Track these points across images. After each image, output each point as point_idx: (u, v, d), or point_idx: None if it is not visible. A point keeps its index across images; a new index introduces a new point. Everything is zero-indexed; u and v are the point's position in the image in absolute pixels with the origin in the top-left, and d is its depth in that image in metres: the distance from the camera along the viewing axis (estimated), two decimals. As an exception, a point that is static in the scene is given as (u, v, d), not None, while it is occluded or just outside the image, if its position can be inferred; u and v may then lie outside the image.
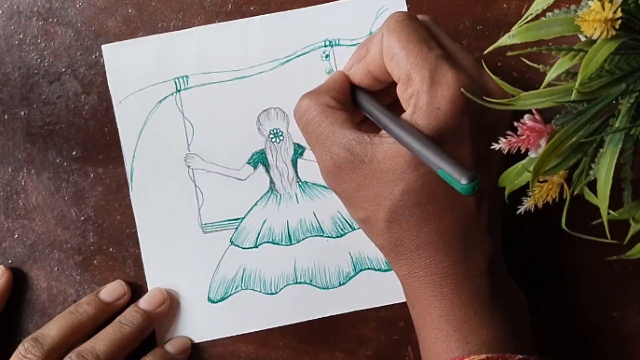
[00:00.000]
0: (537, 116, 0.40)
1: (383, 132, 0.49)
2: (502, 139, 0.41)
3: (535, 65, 0.42)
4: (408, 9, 0.58)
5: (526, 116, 0.40)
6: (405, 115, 0.48)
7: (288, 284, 0.58)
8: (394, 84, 0.50)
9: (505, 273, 0.52)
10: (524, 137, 0.40)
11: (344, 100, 0.52)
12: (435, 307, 0.49)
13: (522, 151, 0.41)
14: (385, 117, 0.49)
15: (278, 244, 0.58)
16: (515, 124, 0.40)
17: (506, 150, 0.41)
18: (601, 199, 0.39)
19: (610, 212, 0.40)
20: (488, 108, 0.47)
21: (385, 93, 0.53)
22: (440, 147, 0.45)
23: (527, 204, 0.43)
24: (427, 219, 0.48)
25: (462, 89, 0.46)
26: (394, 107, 0.51)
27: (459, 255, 0.49)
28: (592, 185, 0.41)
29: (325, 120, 0.50)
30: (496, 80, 0.42)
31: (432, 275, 0.49)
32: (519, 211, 0.43)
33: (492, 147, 0.41)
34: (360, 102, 0.53)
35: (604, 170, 0.39)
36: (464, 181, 0.42)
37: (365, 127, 0.52)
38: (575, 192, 0.42)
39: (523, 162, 0.44)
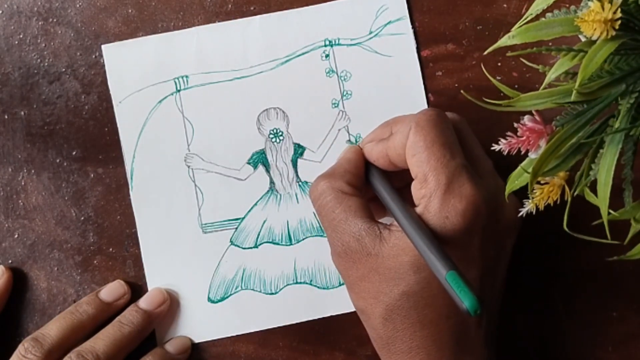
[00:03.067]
0: (537, 117, 0.40)
1: (393, 224, 0.49)
2: (502, 140, 0.41)
3: (534, 65, 0.42)
4: (408, 8, 0.58)
5: (526, 117, 0.40)
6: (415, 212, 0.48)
7: (288, 284, 0.58)
8: (409, 171, 0.50)
9: None
10: (523, 138, 0.40)
11: (358, 184, 0.52)
12: None
13: (522, 152, 0.41)
14: (394, 205, 0.49)
15: (278, 244, 0.58)
16: (515, 124, 0.40)
17: (506, 152, 0.41)
18: (601, 200, 0.39)
19: (611, 212, 0.40)
20: (500, 218, 0.48)
21: (399, 176, 0.52)
22: (447, 254, 0.44)
23: (528, 206, 0.43)
24: (422, 323, 0.48)
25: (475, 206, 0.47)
26: (406, 190, 0.51)
27: None
28: (593, 186, 0.41)
29: (339, 206, 0.50)
30: (496, 83, 0.42)
31: None
32: (520, 213, 0.43)
33: (494, 148, 0.41)
34: (373, 183, 0.52)
35: (604, 170, 0.39)
36: (466, 304, 0.41)
37: (377, 204, 0.52)
38: (576, 193, 0.42)
39: (522, 163, 0.44)
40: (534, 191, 0.42)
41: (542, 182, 0.42)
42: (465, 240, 0.47)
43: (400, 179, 0.52)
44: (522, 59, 0.43)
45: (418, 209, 0.48)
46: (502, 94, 0.47)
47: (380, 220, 0.50)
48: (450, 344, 0.48)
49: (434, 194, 0.47)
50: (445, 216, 0.47)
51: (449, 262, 0.43)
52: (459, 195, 0.47)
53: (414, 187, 0.49)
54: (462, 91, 0.46)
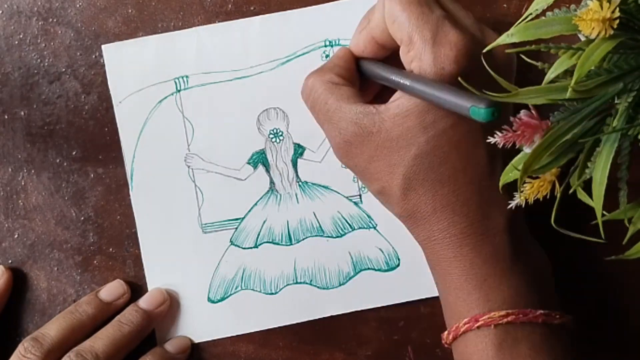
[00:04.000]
0: (533, 112, 0.40)
1: (389, 100, 0.49)
2: (498, 133, 0.41)
3: (534, 62, 0.42)
4: (408, 8, 0.58)
5: (522, 111, 0.40)
6: None
7: (288, 284, 0.58)
8: (397, 52, 0.50)
9: (526, 232, 0.52)
10: (519, 132, 0.40)
11: (349, 76, 0.52)
12: (455, 267, 0.49)
13: (517, 146, 0.41)
14: (393, 74, 0.49)
15: (278, 244, 0.58)
16: (512, 118, 0.40)
17: (501, 145, 0.41)
18: (596, 199, 0.39)
19: (605, 213, 0.40)
20: (491, 57, 0.47)
21: (389, 62, 0.52)
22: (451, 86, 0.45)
23: (518, 199, 0.43)
24: (441, 181, 0.48)
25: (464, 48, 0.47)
26: None
27: (477, 215, 0.49)
28: (587, 185, 0.41)
29: (331, 96, 0.50)
30: (497, 77, 0.42)
31: (451, 237, 0.49)
32: (509, 206, 0.43)
33: (489, 141, 0.41)
34: (366, 69, 0.53)
35: (600, 169, 0.39)
36: (482, 105, 0.41)
37: (378, 103, 0.52)
38: (571, 191, 0.42)
39: (514, 160, 0.44)
40: (524, 185, 0.42)
41: (534, 176, 0.42)
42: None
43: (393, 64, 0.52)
44: (522, 56, 0.43)
45: (413, 72, 0.48)
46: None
47: None
48: (473, 197, 0.49)
49: (423, 51, 0.47)
50: (440, 67, 0.47)
51: (454, 88, 0.44)
52: (448, 44, 0.47)
53: (402, 53, 0.49)
54: (459, 78, 0.45)
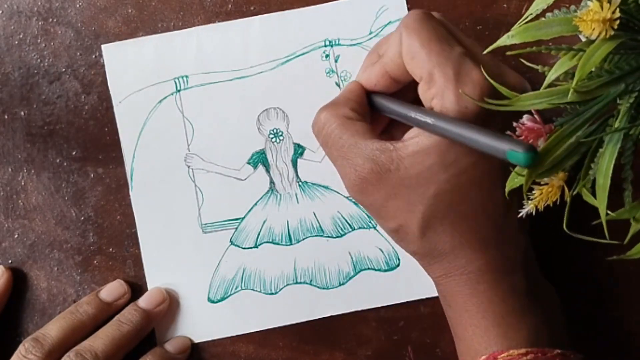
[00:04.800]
0: (536, 117, 0.40)
1: (406, 137, 0.48)
2: None
3: (534, 66, 0.42)
4: (408, 8, 0.58)
5: (525, 116, 0.40)
6: None
7: (288, 284, 0.58)
8: (409, 86, 0.50)
9: (537, 270, 0.52)
10: (522, 137, 0.40)
11: (362, 111, 0.51)
12: (473, 304, 0.48)
13: None
14: (412, 111, 0.48)
15: (278, 244, 0.58)
16: (514, 124, 0.40)
17: None
18: (599, 200, 0.39)
19: (609, 212, 0.40)
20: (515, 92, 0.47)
21: (400, 96, 0.52)
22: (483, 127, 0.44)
23: (528, 207, 0.43)
24: (461, 219, 0.48)
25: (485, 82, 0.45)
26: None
27: (495, 252, 0.48)
28: (593, 186, 0.41)
29: (345, 132, 0.49)
30: (495, 85, 0.42)
31: (468, 274, 0.48)
32: (520, 214, 0.43)
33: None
34: (380, 104, 0.52)
35: (603, 170, 0.39)
36: (521, 149, 0.40)
37: (386, 138, 0.51)
38: (575, 192, 0.42)
39: (517, 167, 0.44)
40: (533, 192, 0.42)
41: (541, 182, 0.42)
42: (488, 124, 0.46)
43: (403, 99, 0.51)
44: (521, 59, 0.43)
45: (434, 109, 0.47)
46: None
47: None
48: (491, 234, 0.48)
49: (445, 89, 0.46)
50: (464, 107, 0.46)
51: (488, 130, 0.43)
52: (471, 82, 0.46)
53: (422, 89, 0.48)
54: (460, 90, 0.45)
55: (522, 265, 0.49)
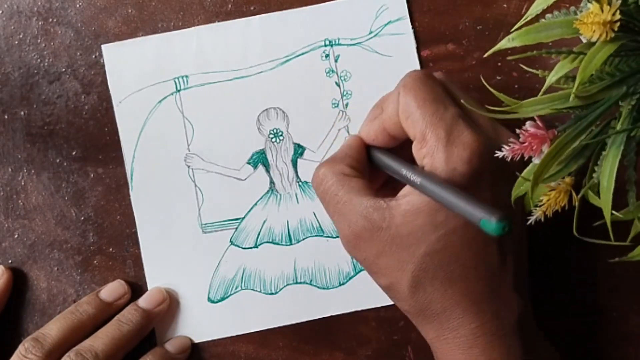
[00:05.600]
0: (539, 122, 0.40)
1: (399, 195, 0.48)
2: (505, 147, 0.40)
3: (534, 71, 0.42)
4: (408, 8, 0.58)
5: (528, 123, 0.40)
6: None
7: (288, 284, 0.58)
8: (408, 142, 0.50)
9: (536, 330, 0.51)
10: (526, 144, 0.40)
11: (360, 167, 0.52)
12: None
13: (525, 158, 0.41)
14: (404, 168, 0.48)
15: (278, 244, 0.58)
16: (518, 131, 0.40)
17: (509, 158, 0.41)
18: (604, 201, 0.39)
19: (614, 212, 0.40)
20: (506, 162, 0.47)
21: (399, 152, 0.52)
22: (463, 191, 0.44)
23: (537, 214, 0.42)
24: (451, 280, 0.47)
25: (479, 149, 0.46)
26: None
27: (488, 315, 0.48)
28: (597, 188, 0.41)
29: (341, 189, 0.50)
30: (495, 93, 0.42)
31: (461, 337, 0.48)
32: (529, 221, 0.43)
33: (497, 155, 0.41)
34: (377, 158, 0.52)
35: (607, 172, 0.39)
36: (493, 219, 0.41)
37: (384, 193, 0.51)
38: (579, 196, 0.42)
39: (524, 172, 0.44)
40: (541, 199, 0.42)
41: (549, 190, 0.42)
42: (475, 187, 0.47)
43: (402, 156, 0.51)
44: (520, 64, 0.43)
45: (425, 168, 0.47)
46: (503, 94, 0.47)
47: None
48: (483, 295, 0.48)
49: (436, 149, 0.47)
50: (452, 168, 0.46)
51: (467, 195, 0.43)
52: (462, 144, 0.46)
53: (415, 149, 0.49)
54: (462, 100, 0.45)
55: (518, 327, 0.48)
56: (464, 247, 0.47)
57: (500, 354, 0.47)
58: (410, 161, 0.50)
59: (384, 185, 0.55)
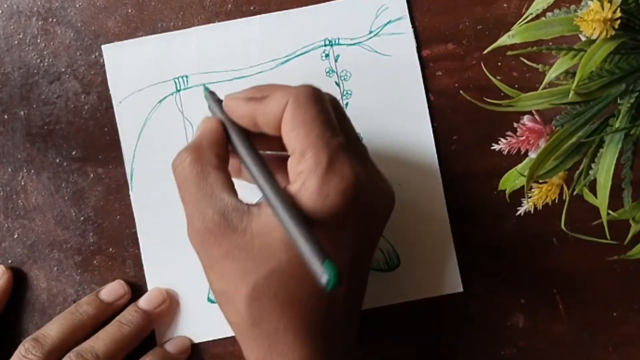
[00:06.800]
0: (536, 117, 0.40)
1: (263, 202, 0.47)
2: (502, 140, 0.41)
3: (534, 65, 0.42)
4: (408, 8, 0.58)
5: (526, 117, 0.40)
6: (290, 189, 0.46)
7: (288, 284, 0.58)
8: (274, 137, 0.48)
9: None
10: (523, 138, 0.40)
11: (223, 155, 0.49)
12: None
13: (522, 152, 0.41)
14: (265, 181, 0.46)
15: (278, 244, 0.58)
16: (515, 124, 0.40)
17: (506, 151, 0.41)
18: (601, 200, 0.39)
19: (610, 212, 0.40)
20: (375, 205, 0.47)
21: (261, 139, 0.50)
22: (313, 233, 0.42)
23: (527, 206, 0.43)
24: (291, 302, 0.46)
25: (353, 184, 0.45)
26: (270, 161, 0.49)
27: (319, 345, 0.47)
28: (592, 186, 0.41)
29: (205, 180, 0.47)
30: (497, 83, 0.42)
31: None
32: (518, 212, 0.43)
33: (494, 148, 0.41)
34: (238, 150, 0.49)
35: (604, 170, 0.39)
36: (324, 278, 0.40)
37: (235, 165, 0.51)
38: (575, 193, 0.42)
39: (519, 165, 0.44)
40: (532, 190, 0.42)
41: (540, 181, 0.42)
42: (341, 223, 0.45)
43: (260, 142, 0.50)
44: (522, 59, 0.43)
45: (294, 186, 0.46)
46: (502, 94, 0.47)
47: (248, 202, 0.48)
48: (318, 324, 0.47)
49: (313, 172, 0.45)
50: (325, 195, 0.44)
51: (311, 239, 0.42)
52: (340, 175, 0.45)
53: (291, 163, 0.47)
54: (461, 91, 0.45)
55: (346, 355, 0.49)
56: (312, 276, 0.44)
57: None
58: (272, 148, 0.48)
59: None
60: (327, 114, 0.47)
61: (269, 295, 0.45)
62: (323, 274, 0.40)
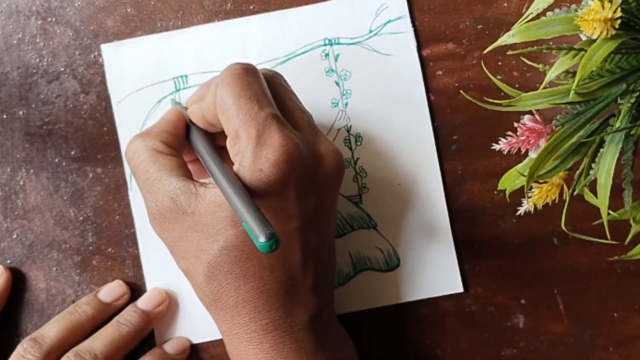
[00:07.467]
0: (537, 117, 0.40)
1: (209, 181, 0.48)
2: (503, 140, 0.40)
3: (535, 64, 0.42)
4: (408, 7, 0.58)
5: (526, 117, 0.40)
6: (233, 170, 0.47)
7: (287, 284, 0.58)
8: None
9: (333, 322, 0.52)
10: (523, 137, 0.40)
11: (175, 144, 0.51)
12: None
13: (522, 152, 0.41)
14: (211, 163, 0.48)
15: (277, 244, 0.58)
16: (515, 124, 0.40)
17: (506, 151, 0.41)
18: (601, 200, 0.39)
19: (611, 212, 0.40)
20: (319, 169, 0.48)
21: (223, 135, 0.51)
22: (252, 201, 0.44)
23: (527, 205, 0.43)
24: (246, 276, 0.47)
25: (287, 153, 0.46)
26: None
27: (280, 313, 0.48)
28: (592, 186, 0.41)
29: (153, 165, 0.49)
30: (498, 83, 0.42)
31: (251, 332, 0.48)
32: (518, 212, 0.43)
33: (494, 147, 0.41)
34: (193, 143, 0.51)
35: (604, 170, 0.39)
36: (262, 239, 0.41)
37: (199, 165, 0.52)
38: (575, 193, 0.42)
39: (519, 165, 0.44)
40: (532, 190, 0.42)
41: (541, 181, 0.42)
42: (280, 191, 0.46)
43: (224, 139, 0.51)
44: (522, 58, 0.43)
45: (235, 166, 0.47)
46: (502, 94, 0.47)
47: (201, 180, 0.49)
48: (278, 296, 0.48)
49: (246, 148, 0.46)
50: (259, 169, 0.46)
51: (250, 206, 0.43)
52: (271, 146, 0.46)
53: (229, 145, 0.48)
54: (461, 91, 0.45)
55: (310, 325, 0.49)
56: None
57: (290, 348, 0.48)
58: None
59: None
60: (254, 89, 0.48)
61: (223, 271, 0.47)
62: (259, 237, 0.41)
